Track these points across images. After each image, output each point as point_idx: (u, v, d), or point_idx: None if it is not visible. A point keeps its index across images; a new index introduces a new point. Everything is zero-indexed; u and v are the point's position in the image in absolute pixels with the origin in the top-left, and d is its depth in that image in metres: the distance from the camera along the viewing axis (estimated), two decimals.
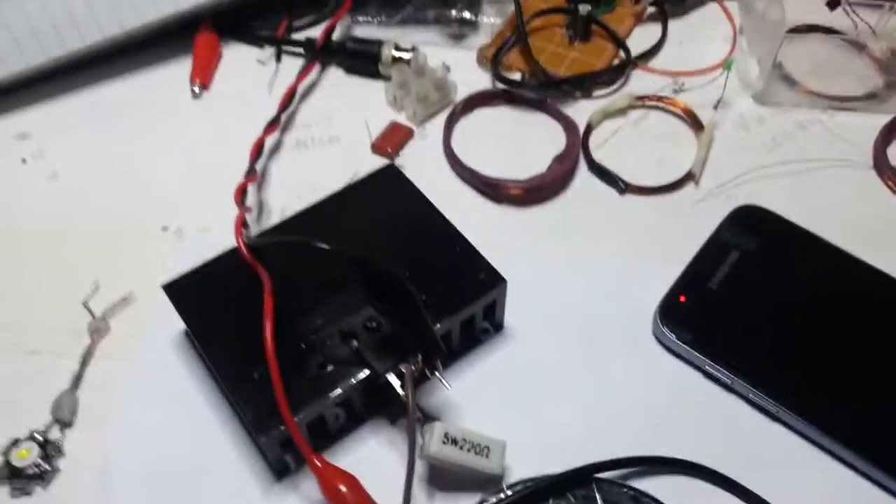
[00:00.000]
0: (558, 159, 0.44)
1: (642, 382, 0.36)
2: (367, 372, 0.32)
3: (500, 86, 0.49)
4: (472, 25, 0.52)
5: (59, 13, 0.48)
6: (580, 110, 0.48)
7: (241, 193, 0.40)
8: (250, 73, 0.51)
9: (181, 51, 0.52)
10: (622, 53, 0.50)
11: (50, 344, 0.38)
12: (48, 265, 0.41)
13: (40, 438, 0.34)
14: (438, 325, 0.34)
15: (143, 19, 0.49)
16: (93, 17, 0.48)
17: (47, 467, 0.33)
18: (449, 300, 0.34)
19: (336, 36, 0.51)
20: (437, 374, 0.32)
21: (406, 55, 0.49)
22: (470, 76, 0.50)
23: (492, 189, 0.43)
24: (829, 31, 0.51)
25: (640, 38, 0.52)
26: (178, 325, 0.36)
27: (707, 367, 0.36)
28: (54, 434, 0.35)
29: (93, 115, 0.49)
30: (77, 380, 0.36)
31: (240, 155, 0.44)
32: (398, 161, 0.45)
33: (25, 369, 0.37)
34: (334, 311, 0.34)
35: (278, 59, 0.52)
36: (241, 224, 0.36)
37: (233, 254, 0.36)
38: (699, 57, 0.51)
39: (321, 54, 0.50)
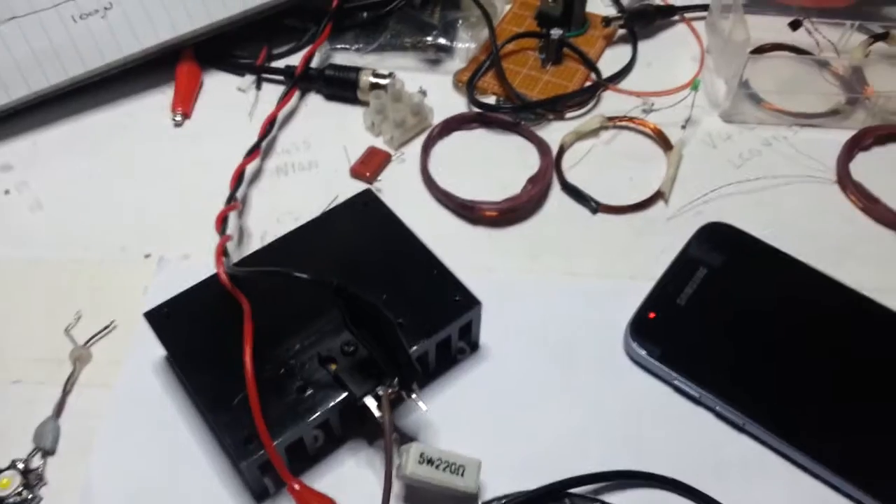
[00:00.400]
0: (532, 180, 0.45)
1: (614, 397, 0.37)
2: (344, 395, 0.33)
3: (476, 109, 0.50)
4: (448, 51, 0.53)
5: (43, 47, 0.49)
6: (553, 131, 0.49)
7: (222, 222, 0.40)
8: (231, 101, 0.52)
9: (163, 79, 0.53)
10: (593, 75, 0.52)
11: (33, 373, 0.39)
12: (32, 294, 0.42)
13: (22, 467, 0.35)
14: (415, 347, 0.35)
15: (125, 52, 0.50)
16: (75, 51, 0.49)
17: (29, 496, 0.34)
18: (425, 322, 0.35)
19: (315, 63, 0.52)
20: (413, 396, 0.33)
21: (383, 81, 0.50)
22: (446, 99, 0.51)
23: (468, 211, 0.44)
24: (792, 48, 0.53)
25: (611, 60, 0.53)
26: (160, 350, 0.37)
27: (676, 381, 0.37)
28: (36, 462, 0.35)
29: (75, 144, 0.50)
30: (59, 408, 0.37)
31: (221, 181, 0.45)
32: (377, 185, 0.46)
33: (9, 398, 0.38)
34: (313, 336, 0.35)
35: (258, 86, 0.53)
36: (222, 252, 0.37)
37: (213, 280, 0.37)
38: (668, 76, 0.52)
39: (300, 81, 0.51)
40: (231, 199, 0.43)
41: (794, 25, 0.51)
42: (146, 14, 0.50)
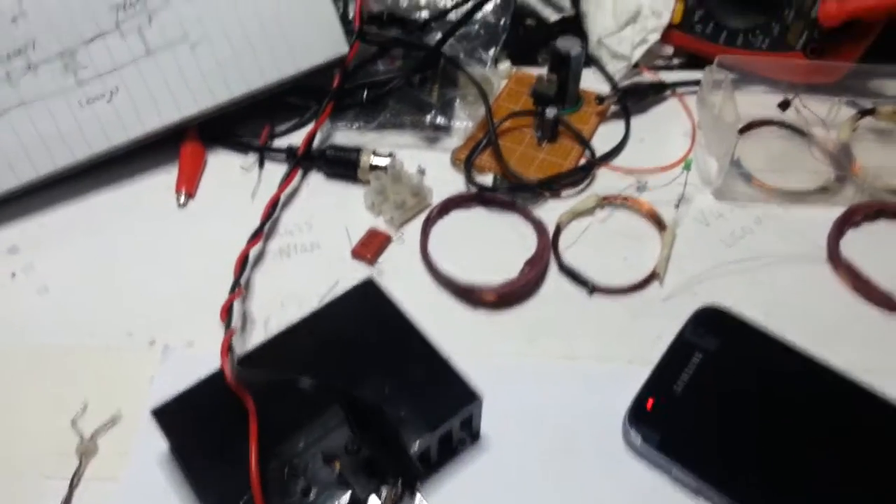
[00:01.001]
0: (530, 263, 0.46)
1: (613, 488, 0.37)
2: (349, 495, 0.34)
3: (474, 189, 0.51)
4: (446, 129, 0.54)
5: (50, 131, 0.50)
6: (549, 210, 0.50)
7: (227, 313, 0.41)
8: (234, 179, 0.53)
9: (167, 158, 0.54)
10: (588, 153, 0.53)
11: (40, 466, 0.39)
12: (37, 382, 0.42)
13: None
14: (417, 442, 0.35)
15: (131, 134, 0.51)
16: (82, 134, 0.50)
17: None
18: (426, 417, 0.36)
19: (316, 141, 0.53)
20: (416, 496, 0.33)
21: (383, 162, 0.51)
22: (445, 175, 0.52)
23: (467, 294, 0.45)
24: (781, 124, 0.54)
25: (605, 136, 0.55)
26: (165, 443, 0.37)
27: (674, 471, 0.37)
28: None
29: (81, 226, 0.51)
30: None
31: (225, 263, 0.46)
32: (377, 267, 0.47)
33: (16, 493, 0.38)
34: (317, 432, 0.36)
35: (261, 165, 0.54)
36: (227, 349, 0.37)
37: (218, 376, 0.37)
38: (661, 152, 0.53)
39: (302, 161, 0.52)
40: (235, 286, 0.44)
41: (784, 106, 0.52)
42: (151, 97, 0.51)
